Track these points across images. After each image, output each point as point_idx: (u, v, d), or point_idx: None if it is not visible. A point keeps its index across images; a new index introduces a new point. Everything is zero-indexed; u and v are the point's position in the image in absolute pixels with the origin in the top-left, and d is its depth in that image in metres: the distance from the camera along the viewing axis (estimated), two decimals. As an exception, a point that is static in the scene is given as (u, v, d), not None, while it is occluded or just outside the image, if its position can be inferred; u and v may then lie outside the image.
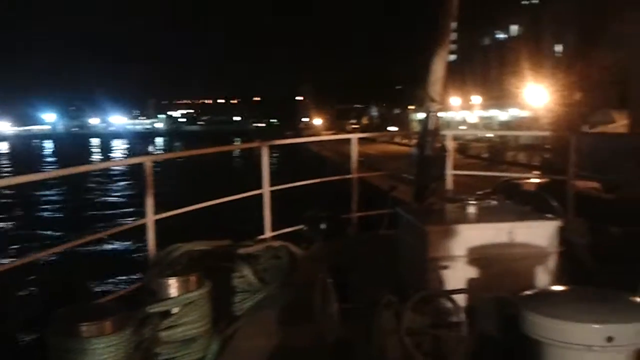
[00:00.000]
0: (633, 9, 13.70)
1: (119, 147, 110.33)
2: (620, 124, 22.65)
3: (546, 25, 65.59)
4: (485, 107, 65.88)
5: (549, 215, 4.43)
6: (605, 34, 14.51)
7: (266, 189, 6.60)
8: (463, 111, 70.77)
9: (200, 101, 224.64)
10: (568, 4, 60.75)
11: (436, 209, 4.81)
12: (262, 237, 6.46)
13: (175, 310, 3.72)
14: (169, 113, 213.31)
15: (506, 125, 61.65)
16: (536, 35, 66.32)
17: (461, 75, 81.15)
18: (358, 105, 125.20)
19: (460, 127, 74.03)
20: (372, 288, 4.06)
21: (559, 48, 59.16)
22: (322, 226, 6.03)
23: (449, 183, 7.45)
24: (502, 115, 63.34)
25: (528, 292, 2.72)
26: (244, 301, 4.90)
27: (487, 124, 68.38)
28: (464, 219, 4.35)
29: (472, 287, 3.91)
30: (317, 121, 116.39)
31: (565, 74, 15.32)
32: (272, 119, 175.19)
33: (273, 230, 6.65)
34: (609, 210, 10.55)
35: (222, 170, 43.60)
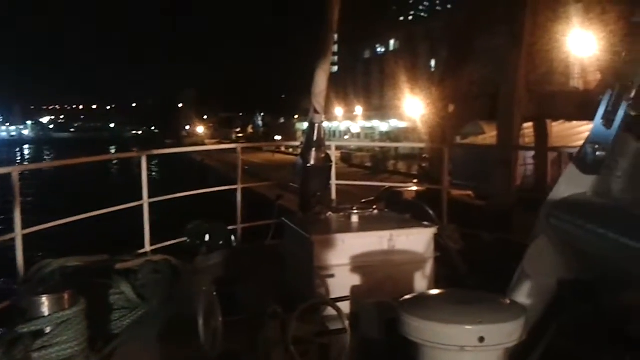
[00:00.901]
0: (501, 23, 14.76)
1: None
2: (489, 135, 24.35)
3: (420, 41, 69.48)
4: (367, 117, 68.25)
5: (426, 223, 4.65)
6: (474, 48, 15.54)
7: (145, 201, 6.34)
8: (347, 121, 72.77)
9: (72, 107, 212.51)
10: (439, 21, 64.60)
11: (321, 219, 4.88)
12: (141, 250, 6.19)
13: (48, 329, 3.47)
14: (37, 119, 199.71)
15: (387, 135, 64.22)
16: (412, 50, 69.99)
17: (344, 86, 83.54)
18: (243, 114, 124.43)
19: (345, 137, 76.18)
20: (259, 299, 4.03)
21: (433, 62, 62.86)
22: (206, 238, 5.90)
23: (334, 192, 7.60)
24: (383, 125, 65.90)
25: (407, 297, 2.82)
26: (122, 318, 4.64)
27: (369, 134, 70.83)
28: (348, 228, 4.45)
29: (355, 294, 4.01)
30: (200, 129, 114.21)
31: (439, 87, 16.17)
32: (151, 126, 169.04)
33: (153, 243, 6.39)
34: (481, 216, 11.32)
35: (97, 181, 41.39)
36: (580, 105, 12.94)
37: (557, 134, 19.41)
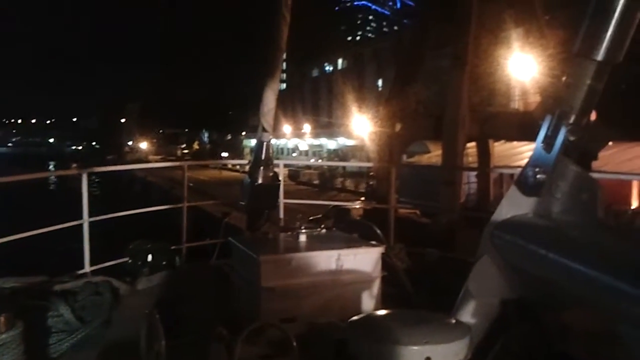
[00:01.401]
0: (446, 45, 15.16)
1: None
2: (435, 154, 24.91)
3: (368, 61, 70.74)
4: (315, 135, 68.60)
5: (373, 242, 4.67)
6: (420, 69, 15.90)
7: (85, 220, 6.12)
8: (295, 139, 72.96)
9: (10, 120, 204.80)
10: (386, 42, 65.94)
11: (268, 238, 4.83)
12: (81, 271, 5.96)
13: (-17, 354, 3.30)
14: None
15: (335, 153, 64.71)
16: (360, 70, 71.14)
17: (292, 104, 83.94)
18: (189, 130, 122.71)
19: (293, 155, 76.31)
20: (204, 321, 3.93)
21: (380, 82, 64.02)
22: (148, 258, 5.75)
23: (282, 211, 7.55)
24: (331, 143, 66.37)
25: (355, 318, 2.81)
26: (61, 342, 4.46)
27: (317, 151, 71.18)
28: (295, 248, 4.42)
29: (303, 315, 3.97)
30: (144, 145, 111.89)
31: (386, 107, 16.43)
32: (92, 141, 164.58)
33: (93, 263, 6.17)
34: (426, 234, 11.52)
35: (34, 198, 39.85)
36: (521, 127, 13.40)
37: (499, 154, 20.04)
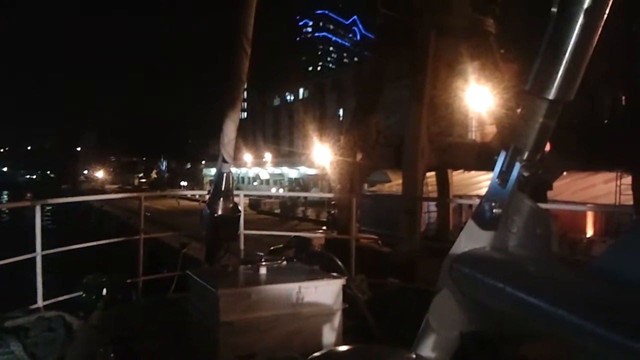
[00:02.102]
0: (405, 77, 15.48)
1: None
2: (395, 183, 25.20)
3: (329, 91, 71.62)
4: (276, 164, 68.60)
5: (334, 274, 4.64)
6: (380, 99, 16.17)
7: (38, 253, 5.92)
8: (256, 167, 72.77)
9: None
10: (347, 73, 66.95)
11: (227, 271, 4.75)
12: (33, 306, 5.74)
13: None
14: None
15: (296, 182, 64.73)
16: (321, 99, 71.91)
17: (253, 132, 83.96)
18: (146, 158, 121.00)
19: (254, 183, 76.01)
20: (161, 358, 3.81)
21: (341, 111, 64.76)
22: (103, 292, 5.57)
23: (242, 241, 7.46)
24: (292, 172, 66.44)
25: (315, 355, 2.77)
26: (11, 381, 4.26)
27: (278, 180, 71.10)
28: (255, 281, 4.35)
29: (264, 350, 3.89)
30: (100, 174, 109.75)
31: (347, 136, 16.59)
32: (46, 170, 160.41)
33: (46, 298, 5.95)
34: (388, 264, 11.55)
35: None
36: (478, 157, 13.72)
37: (458, 183, 20.42)
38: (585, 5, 1.47)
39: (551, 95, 1.57)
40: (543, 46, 1.59)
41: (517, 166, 1.72)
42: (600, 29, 1.55)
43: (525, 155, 1.72)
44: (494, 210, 1.77)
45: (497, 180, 1.82)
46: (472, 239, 1.89)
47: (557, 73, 1.53)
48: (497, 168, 1.82)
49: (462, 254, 1.95)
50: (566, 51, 1.50)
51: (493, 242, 1.83)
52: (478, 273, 1.87)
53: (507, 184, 1.75)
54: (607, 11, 1.53)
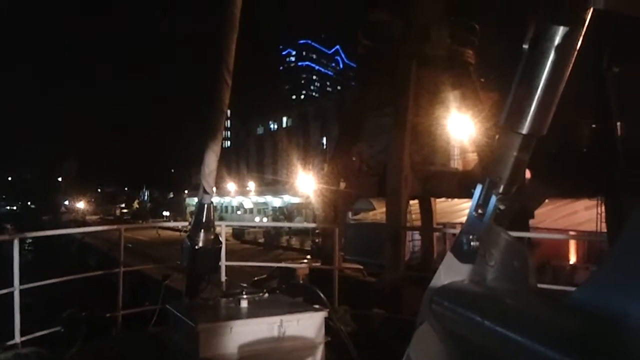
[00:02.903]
0: (387, 105, 15.63)
1: None
2: (379, 211, 25.22)
3: (312, 119, 72.03)
4: (260, 193, 68.38)
5: (316, 307, 4.58)
6: (363, 128, 16.29)
7: (16, 287, 5.79)
8: (239, 196, 72.46)
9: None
10: (330, 101, 67.49)
11: (208, 305, 4.66)
12: (10, 342, 5.59)
13: None
14: None
15: (280, 210, 64.47)
16: (304, 128, 72.24)
17: (237, 161, 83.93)
18: (128, 188, 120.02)
19: (237, 212, 75.57)
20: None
21: (325, 140, 65.08)
22: (82, 327, 5.45)
23: (223, 273, 7.37)
24: (276, 201, 66.23)
25: None
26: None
27: (262, 209, 70.79)
28: (236, 315, 4.27)
29: None
30: (81, 204, 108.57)
31: (330, 165, 16.65)
32: (27, 201, 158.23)
33: (24, 333, 5.80)
34: (372, 294, 11.48)
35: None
36: (460, 185, 13.83)
37: (441, 210, 20.50)
38: (556, 42, 1.49)
39: (525, 129, 1.59)
40: (515, 82, 1.61)
41: (493, 199, 1.72)
42: (571, 65, 1.57)
43: (501, 189, 1.73)
44: (472, 243, 1.77)
45: (474, 213, 1.82)
46: (451, 272, 1.89)
47: (530, 108, 1.55)
48: (474, 200, 1.83)
49: (442, 287, 1.94)
50: (538, 87, 1.52)
51: (472, 275, 1.82)
52: (457, 307, 1.86)
53: (483, 216, 1.76)
54: (577, 47, 1.56)
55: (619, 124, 2.46)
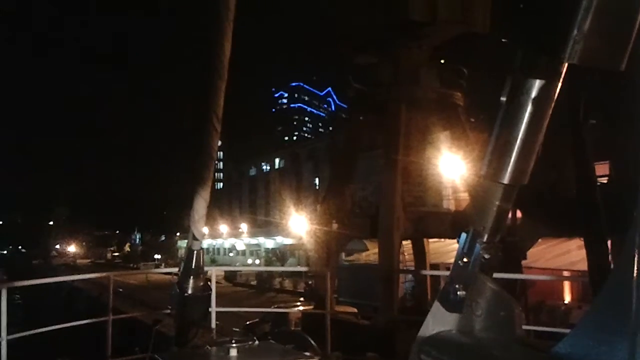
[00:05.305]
0: (379, 146, 15.71)
1: None
2: (372, 251, 25.08)
3: (305, 160, 72.32)
4: (253, 234, 67.97)
5: (308, 354, 4.51)
6: (355, 168, 16.33)
7: (3, 338, 5.68)
8: (231, 238, 71.95)
9: None
10: (322, 142, 67.91)
11: (197, 354, 4.58)
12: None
13: None
14: None
15: (273, 252, 64.00)
16: (297, 169, 72.46)
17: (229, 203, 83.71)
18: (119, 231, 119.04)
19: (230, 254, 74.93)
20: None
21: (317, 180, 65.22)
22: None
23: (214, 319, 7.26)
24: (269, 242, 65.80)
25: None
26: None
27: (254, 250, 70.28)
28: None
29: None
30: (72, 248, 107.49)
31: (323, 206, 16.61)
32: (18, 245, 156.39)
33: None
34: (366, 336, 11.31)
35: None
36: (452, 225, 13.81)
37: (435, 250, 20.41)
38: (533, 95, 1.53)
39: (505, 179, 1.61)
40: (495, 133, 1.63)
41: (477, 248, 1.73)
42: (548, 116, 1.60)
43: (485, 237, 1.74)
44: (459, 293, 1.77)
45: (459, 262, 1.82)
46: (439, 321, 1.88)
47: (510, 158, 1.57)
48: (459, 249, 1.83)
49: (430, 337, 1.93)
50: (517, 138, 1.55)
51: (459, 324, 1.81)
52: (445, 356, 1.85)
53: (469, 265, 1.76)
54: (554, 100, 1.59)
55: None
